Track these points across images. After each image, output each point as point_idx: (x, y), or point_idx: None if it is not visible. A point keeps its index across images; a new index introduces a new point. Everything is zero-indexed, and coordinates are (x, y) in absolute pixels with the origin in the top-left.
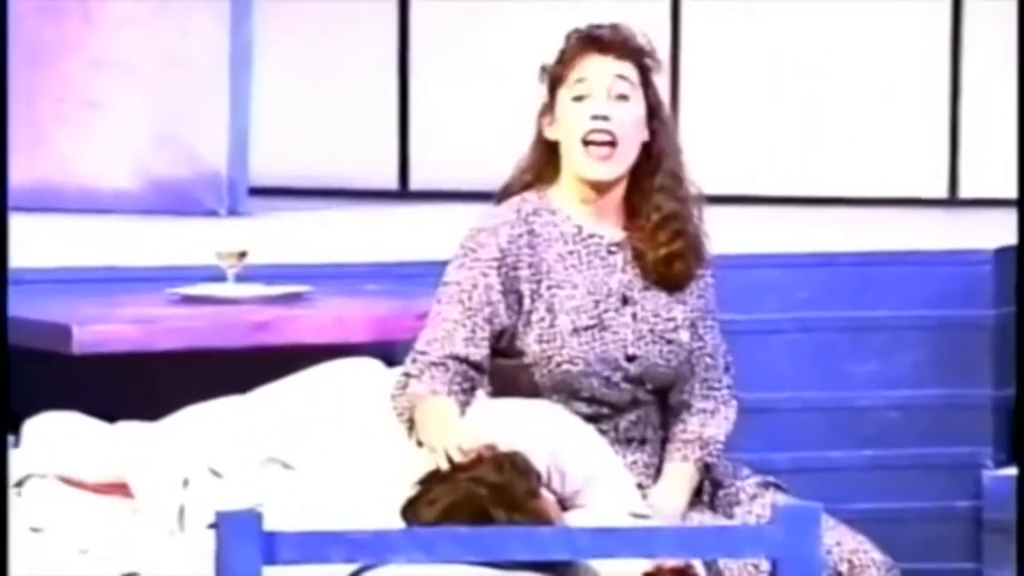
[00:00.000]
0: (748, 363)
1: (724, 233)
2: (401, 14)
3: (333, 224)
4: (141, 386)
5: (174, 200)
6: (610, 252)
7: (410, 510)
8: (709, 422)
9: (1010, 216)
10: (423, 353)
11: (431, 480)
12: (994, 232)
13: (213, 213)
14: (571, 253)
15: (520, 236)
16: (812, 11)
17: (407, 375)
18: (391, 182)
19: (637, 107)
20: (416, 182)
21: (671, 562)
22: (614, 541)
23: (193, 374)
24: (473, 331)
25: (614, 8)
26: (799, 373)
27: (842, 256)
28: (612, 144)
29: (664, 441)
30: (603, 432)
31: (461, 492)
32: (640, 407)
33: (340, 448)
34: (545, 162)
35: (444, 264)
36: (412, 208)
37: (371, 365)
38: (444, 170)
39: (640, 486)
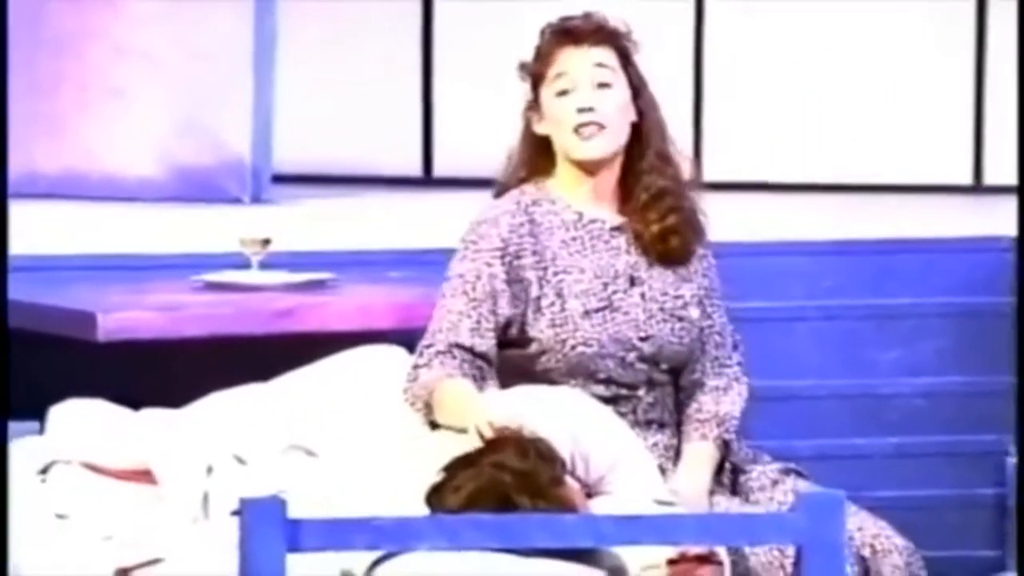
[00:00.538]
0: (772, 350)
1: (749, 220)
2: (425, 1)
3: (356, 211)
4: (166, 373)
5: (198, 187)
6: (612, 235)
7: (435, 496)
8: (723, 399)
9: None
10: (429, 345)
11: (456, 466)
12: (1017, 219)
13: (237, 200)
14: (574, 239)
15: (521, 225)
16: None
17: (416, 367)
18: (415, 169)
19: (621, 91)
20: (440, 169)
21: (695, 549)
22: (638, 528)
23: (217, 361)
24: (478, 322)
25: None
26: (823, 360)
27: (865, 244)
28: (601, 127)
29: (680, 424)
30: (623, 415)
31: (485, 478)
32: (656, 388)
33: (363, 435)
34: (538, 156)
35: None
36: (436, 195)
37: (394, 352)
38: (468, 157)
39: (661, 468)
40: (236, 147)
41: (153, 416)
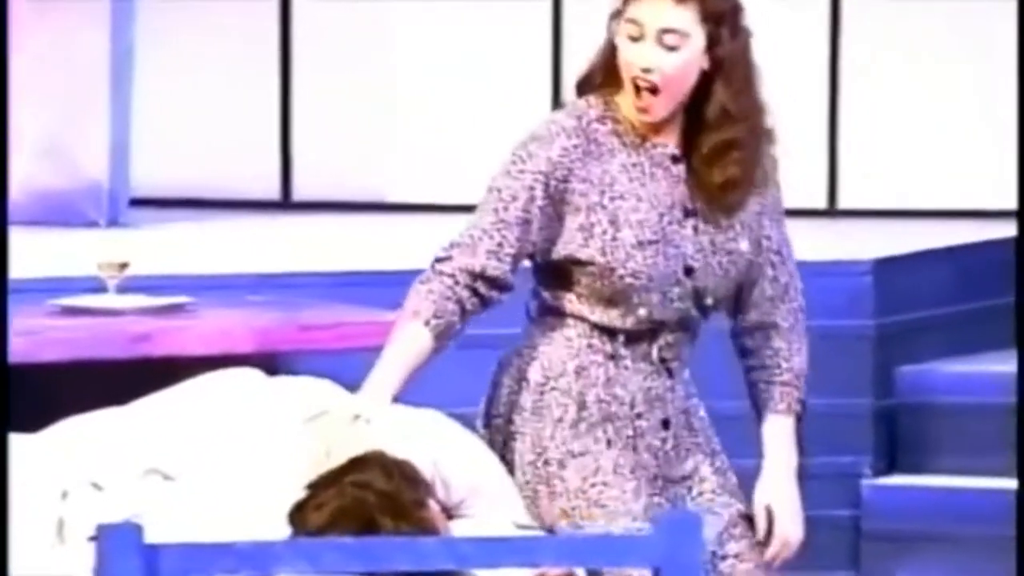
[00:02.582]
0: None
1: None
2: (283, 24)
3: (215, 235)
4: (24, 398)
5: (55, 211)
6: (674, 162)
7: (297, 515)
8: (795, 345)
9: (889, 226)
10: (445, 258)
11: (319, 485)
12: (874, 242)
13: (94, 224)
14: (635, 165)
15: (576, 147)
16: None
17: (426, 272)
18: (274, 193)
19: (689, 52)
20: (299, 193)
21: (555, 571)
22: (497, 550)
23: (75, 386)
24: (500, 244)
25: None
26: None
27: None
28: (654, 91)
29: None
30: (639, 353)
31: (348, 498)
32: (681, 330)
33: (222, 458)
34: (614, 66)
35: (327, 276)
36: (295, 219)
37: (252, 375)
38: (327, 181)
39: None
40: (93, 170)
41: (8, 441)
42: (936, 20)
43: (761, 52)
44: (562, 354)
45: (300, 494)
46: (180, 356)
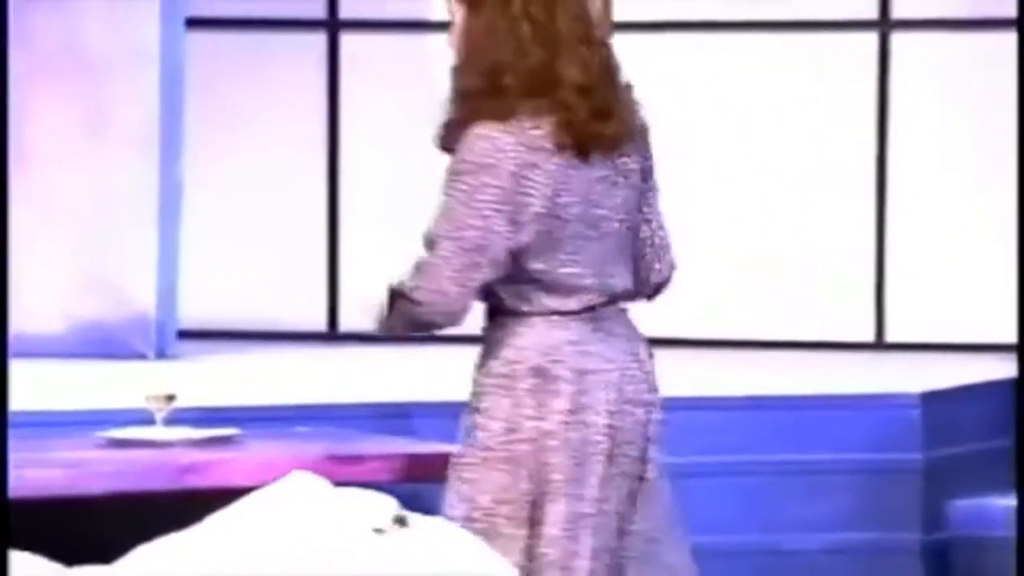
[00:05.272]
0: (676, 506)
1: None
2: (330, 157)
3: (262, 367)
4: (70, 530)
5: (102, 343)
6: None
7: None
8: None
9: (936, 359)
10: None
11: None
12: (921, 376)
13: (142, 356)
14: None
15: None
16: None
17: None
18: (320, 324)
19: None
20: (345, 324)
21: None
22: None
23: (122, 518)
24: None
25: None
26: (725, 516)
27: (769, 399)
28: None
29: None
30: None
31: None
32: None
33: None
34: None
35: (372, 407)
36: (341, 350)
37: (315, 481)
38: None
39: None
40: (141, 302)
41: (85, 573)
42: (983, 159)
43: (809, 188)
44: None
45: None
46: (226, 488)
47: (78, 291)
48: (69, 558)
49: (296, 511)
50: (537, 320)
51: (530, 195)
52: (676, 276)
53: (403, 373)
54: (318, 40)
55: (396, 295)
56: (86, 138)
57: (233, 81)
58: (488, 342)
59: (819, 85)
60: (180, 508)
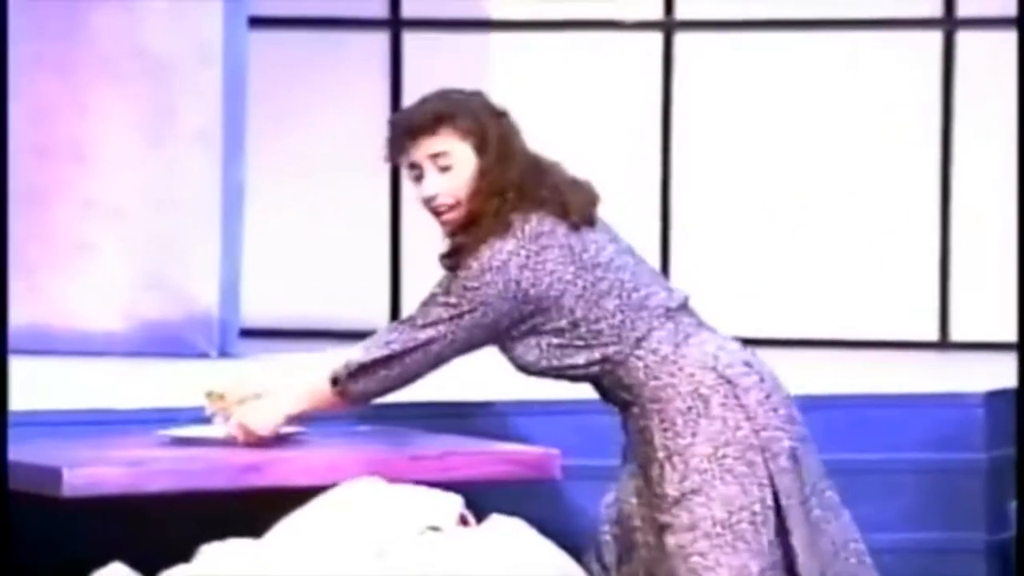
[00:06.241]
0: None
1: None
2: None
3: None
4: (131, 528)
5: (165, 342)
6: None
7: None
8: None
9: (1000, 359)
10: None
11: None
12: (985, 375)
13: (204, 355)
14: None
15: None
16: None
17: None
18: (381, 323)
19: (464, 167)
20: None
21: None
22: None
23: (184, 515)
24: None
25: None
26: None
27: (834, 399)
28: (452, 207)
29: None
30: None
31: None
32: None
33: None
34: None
35: (433, 406)
36: None
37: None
38: None
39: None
40: (204, 301)
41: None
42: None
43: (875, 188)
44: None
45: None
46: (288, 486)
47: (141, 290)
48: (128, 556)
49: (360, 512)
50: None
51: None
52: (744, 279)
53: (457, 372)
54: (380, 39)
55: None
56: (149, 138)
57: (295, 80)
58: None
59: (885, 83)
60: (241, 506)
